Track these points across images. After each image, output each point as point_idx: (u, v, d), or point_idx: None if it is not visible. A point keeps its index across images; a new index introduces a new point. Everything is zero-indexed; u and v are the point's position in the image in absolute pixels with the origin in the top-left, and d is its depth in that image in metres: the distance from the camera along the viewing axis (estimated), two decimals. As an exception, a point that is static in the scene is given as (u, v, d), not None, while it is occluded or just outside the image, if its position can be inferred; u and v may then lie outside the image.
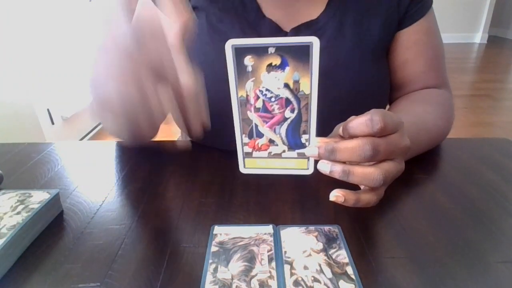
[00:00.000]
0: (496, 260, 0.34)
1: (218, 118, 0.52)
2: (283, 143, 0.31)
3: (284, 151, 0.31)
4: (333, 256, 0.33)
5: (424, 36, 0.57)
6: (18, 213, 0.37)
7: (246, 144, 0.31)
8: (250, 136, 0.31)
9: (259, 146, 0.30)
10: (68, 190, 0.46)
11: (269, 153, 0.31)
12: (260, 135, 0.31)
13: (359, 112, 0.52)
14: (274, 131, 0.30)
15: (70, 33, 2.13)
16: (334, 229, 0.37)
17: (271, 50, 0.28)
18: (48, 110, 1.88)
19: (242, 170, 0.31)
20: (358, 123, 0.31)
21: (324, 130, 0.53)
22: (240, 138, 0.31)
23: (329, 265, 0.32)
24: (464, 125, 2.41)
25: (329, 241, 0.35)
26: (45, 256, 0.35)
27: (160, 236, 0.37)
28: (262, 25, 0.52)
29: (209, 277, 0.31)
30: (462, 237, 0.37)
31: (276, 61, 0.28)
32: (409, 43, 0.56)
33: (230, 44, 0.28)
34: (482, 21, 5.15)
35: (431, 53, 0.58)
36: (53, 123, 1.92)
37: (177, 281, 0.32)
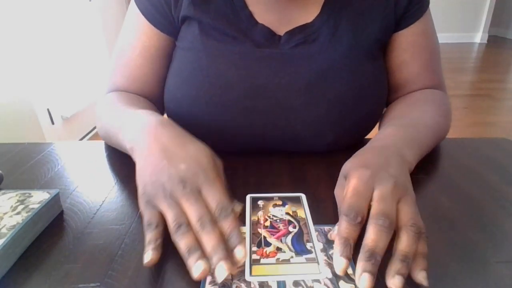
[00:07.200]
0: (496, 260, 0.34)
1: (214, 121, 0.52)
2: (290, 250, 0.34)
3: (292, 257, 0.33)
4: (333, 256, 0.33)
5: (421, 37, 0.56)
6: (18, 213, 0.36)
7: (254, 252, 0.34)
8: (259, 246, 0.34)
9: (267, 253, 0.33)
10: (68, 190, 0.46)
11: (277, 259, 0.33)
12: (268, 244, 0.35)
13: (357, 112, 0.52)
14: (281, 240, 0.35)
15: (70, 33, 2.13)
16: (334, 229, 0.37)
17: (276, 198, 0.42)
18: (48, 110, 1.88)
19: (248, 277, 0.31)
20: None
21: (322, 131, 0.53)
22: (248, 248, 0.34)
23: (329, 265, 0.32)
24: (464, 125, 2.41)
25: (329, 241, 0.35)
26: (45, 256, 0.35)
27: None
28: (255, 31, 0.52)
29: (209, 277, 0.31)
30: (462, 237, 0.37)
31: (279, 202, 0.41)
32: (406, 45, 0.56)
33: (248, 196, 0.42)
34: (482, 21, 5.15)
35: (428, 54, 0.58)
36: (53, 123, 1.92)
37: (177, 281, 0.32)
